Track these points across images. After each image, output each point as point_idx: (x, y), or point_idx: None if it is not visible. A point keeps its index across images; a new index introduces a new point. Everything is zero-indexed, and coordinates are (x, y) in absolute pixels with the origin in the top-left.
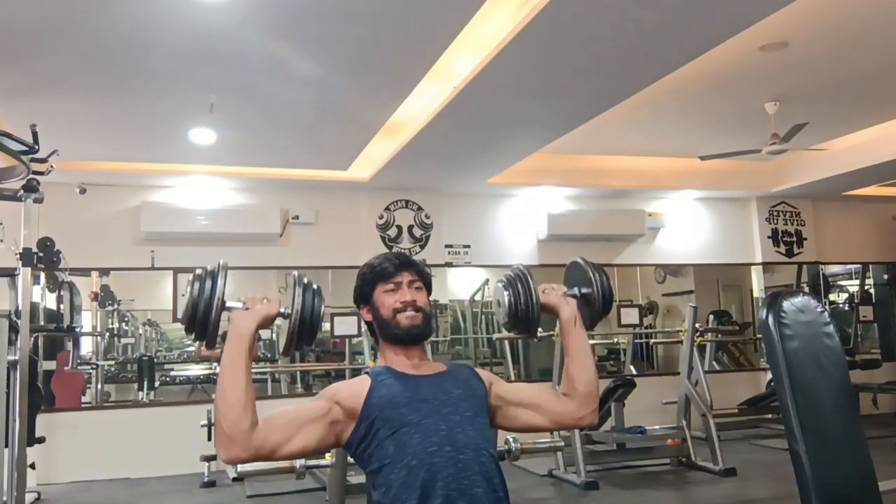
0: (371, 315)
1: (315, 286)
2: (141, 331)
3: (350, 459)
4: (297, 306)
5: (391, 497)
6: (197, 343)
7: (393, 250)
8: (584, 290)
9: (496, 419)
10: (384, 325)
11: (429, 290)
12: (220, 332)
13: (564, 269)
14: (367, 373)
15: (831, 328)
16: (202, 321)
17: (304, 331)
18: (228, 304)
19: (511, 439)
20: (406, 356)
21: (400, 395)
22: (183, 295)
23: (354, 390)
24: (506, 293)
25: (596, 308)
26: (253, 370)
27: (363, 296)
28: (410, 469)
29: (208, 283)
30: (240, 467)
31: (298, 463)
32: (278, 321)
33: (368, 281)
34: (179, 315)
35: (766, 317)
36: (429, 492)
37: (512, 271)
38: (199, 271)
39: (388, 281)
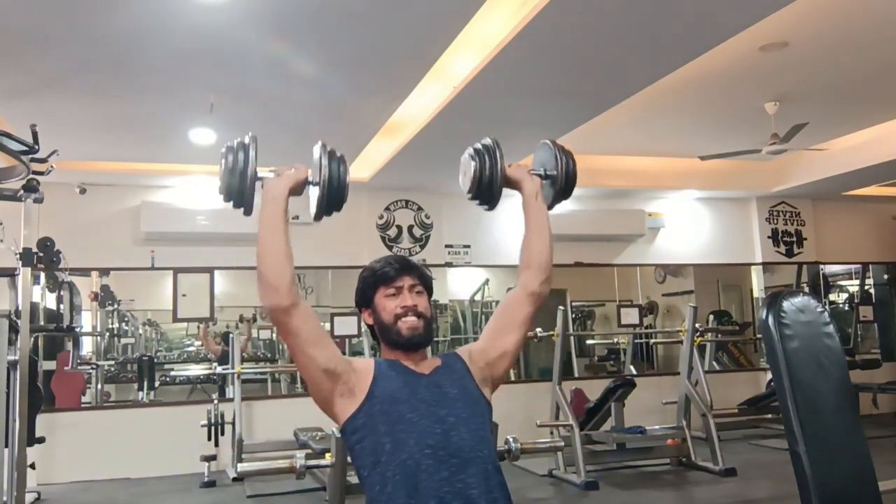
0: (372, 319)
1: (339, 154)
2: (141, 331)
3: (350, 459)
4: (324, 174)
5: (387, 494)
6: (202, 337)
7: (393, 250)
8: (549, 171)
9: (493, 372)
10: (385, 330)
11: (430, 293)
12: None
13: (535, 151)
14: (373, 360)
15: (831, 328)
16: (239, 189)
17: (333, 197)
18: (260, 174)
19: (511, 439)
20: (405, 359)
21: (400, 391)
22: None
23: (364, 368)
24: (473, 162)
25: (558, 188)
26: (252, 370)
27: (364, 299)
28: (405, 468)
29: (241, 155)
30: (240, 467)
31: (298, 463)
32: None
33: (370, 284)
34: (180, 315)
35: (766, 317)
36: (423, 492)
37: (482, 142)
38: (230, 143)
39: (389, 285)
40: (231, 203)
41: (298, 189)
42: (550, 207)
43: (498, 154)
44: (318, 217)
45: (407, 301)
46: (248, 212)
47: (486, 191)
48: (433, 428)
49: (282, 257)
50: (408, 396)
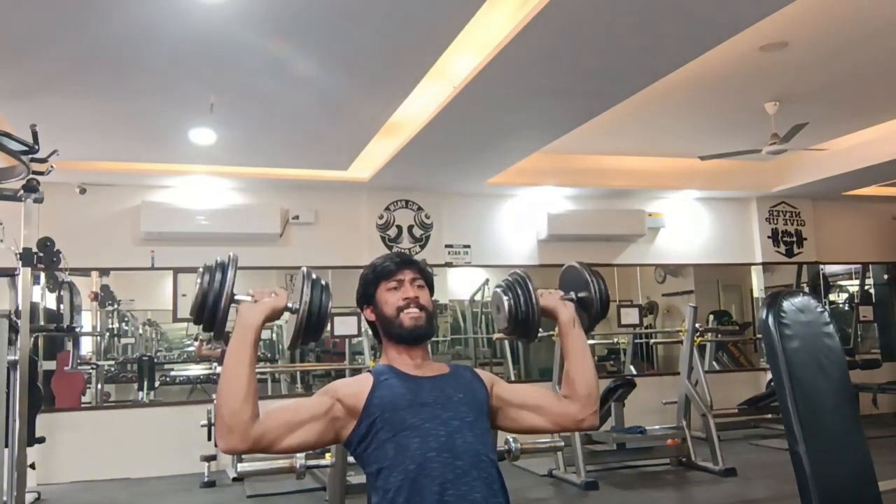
0: (374, 315)
1: (323, 282)
2: (141, 331)
3: (350, 459)
4: (304, 301)
5: (389, 500)
6: (197, 343)
7: (393, 250)
8: (581, 294)
9: (497, 420)
10: (387, 324)
11: (431, 289)
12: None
13: (561, 274)
14: (369, 371)
15: (831, 328)
16: (211, 312)
17: (312, 326)
18: (237, 296)
19: (511, 439)
20: (409, 356)
21: (401, 397)
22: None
23: (356, 388)
24: (505, 298)
25: (594, 311)
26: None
27: (366, 296)
28: (408, 473)
29: (218, 275)
30: (240, 467)
31: (298, 463)
32: (285, 316)
33: (371, 280)
34: (181, 314)
35: (767, 317)
36: (426, 497)
37: (511, 276)
38: (209, 263)
39: (390, 279)
40: (199, 327)
41: (274, 316)
42: (588, 331)
43: (530, 286)
44: (292, 346)
45: (409, 293)
46: (217, 336)
47: (524, 324)
48: (437, 431)
49: (239, 401)
50: (409, 402)
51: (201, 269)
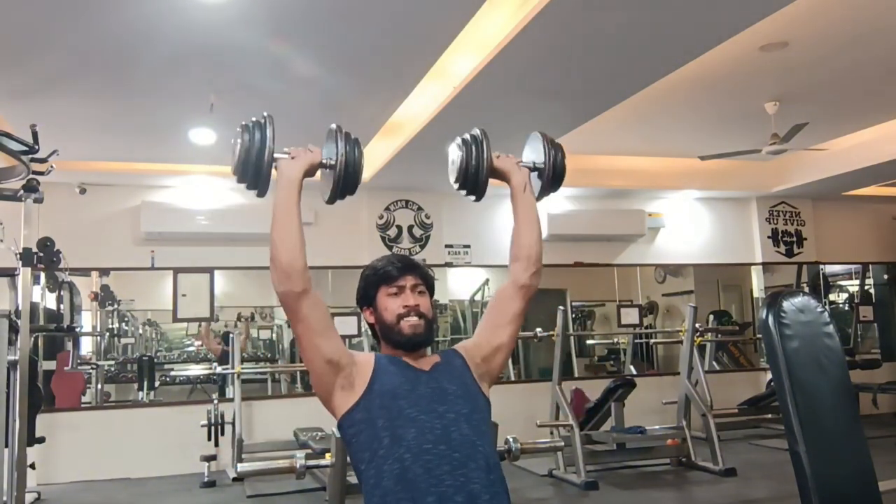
0: (374, 317)
1: (354, 137)
2: (141, 331)
3: (348, 456)
4: (340, 157)
5: (383, 488)
6: (199, 342)
7: (393, 250)
8: (537, 163)
9: (491, 367)
10: (386, 330)
11: (432, 293)
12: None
13: (525, 143)
14: (373, 354)
15: (831, 328)
16: (255, 168)
17: (348, 179)
18: (275, 155)
19: (511, 439)
20: (406, 357)
21: (400, 386)
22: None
23: (364, 364)
24: (459, 152)
25: (546, 180)
26: (252, 370)
27: (366, 297)
28: (403, 463)
29: (257, 134)
30: (240, 467)
31: (298, 463)
32: (282, 317)
33: (372, 283)
34: (180, 315)
35: (766, 317)
36: (422, 487)
37: (470, 133)
38: (245, 122)
39: (391, 284)
40: (244, 184)
41: (312, 171)
42: (539, 199)
43: (484, 144)
44: (331, 200)
45: (409, 301)
46: (262, 193)
47: (472, 180)
48: (433, 423)
49: (295, 242)
50: (408, 392)
51: (239, 129)
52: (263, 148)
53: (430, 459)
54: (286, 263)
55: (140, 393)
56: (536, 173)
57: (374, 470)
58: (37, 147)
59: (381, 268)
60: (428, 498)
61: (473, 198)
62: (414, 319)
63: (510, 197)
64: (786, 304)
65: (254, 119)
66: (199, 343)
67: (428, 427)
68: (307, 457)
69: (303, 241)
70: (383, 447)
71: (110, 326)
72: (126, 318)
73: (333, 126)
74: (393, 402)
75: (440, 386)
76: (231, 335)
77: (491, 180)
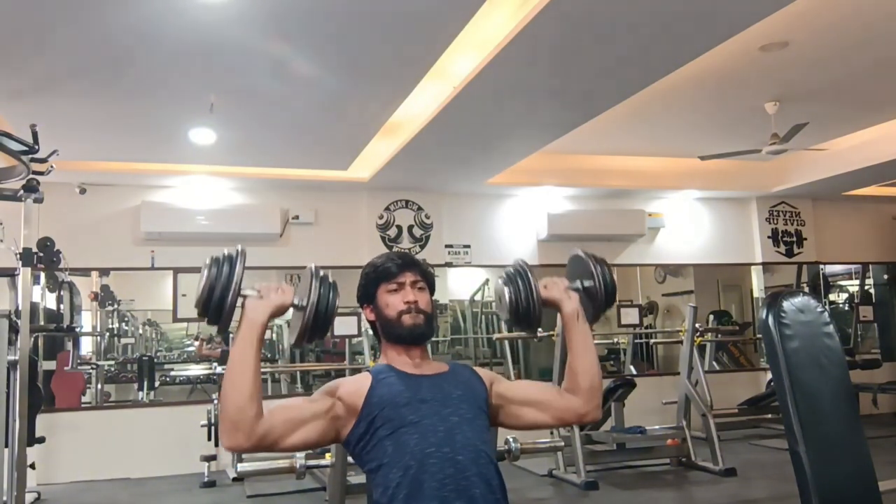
0: (374, 315)
1: (331, 279)
2: (141, 331)
3: (350, 459)
4: (312, 298)
5: (389, 496)
6: (197, 343)
7: (393, 250)
8: (586, 283)
9: (498, 418)
10: (387, 325)
11: (432, 290)
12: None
13: (567, 263)
14: (368, 371)
15: (831, 328)
16: (218, 306)
17: (319, 323)
18: (243, 291)
19: (511, 439)
20: (408, 356)
21: (400, 394)
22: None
23: (356, 387)
24: (507, 289)
25: (599, 301)
26: None
27: (366, 295)
28: (408, 469)
29: (226, 268)
30: (240, 467)
31: (298, 463)
32: (288, 314)
33: (372, 280)
34: (180, 315)
35: (766, 317)
36: (426, 492)
37: (512, 267)
38: (216, 255)
39: (391, 281)
40: (206, 319)
41: (280, 313)
42: (593, 322)
43: (530, 276)
44: (297, 344)
45: (409, 296)
46: (221, 329)
47: (525, 316)
48: (436, 426)
49: (245, 398)
50: (408, 399)
51: (208, 262)
52: (229, 286)
53: (434, 463)
54: (233, 413)
55: (140, 393)
56: (585, 295)
57: (382, 478)
58: (37, 147)
59: (381, 265)
60: (432, 502)
61: (529, 332)
62: (414, 314)
63: (562, 325)
64: (786, 304)
65: (225, 252)
66: (199, 345)
67: (431, 430)
68: (307, 457)
69: (258, 389)
70: (388, 455)
71: (110, 326)
72: (126, 318)
73: (312, 266)
74: (394, 411)
75: (442, 390)
76: (231, 335)
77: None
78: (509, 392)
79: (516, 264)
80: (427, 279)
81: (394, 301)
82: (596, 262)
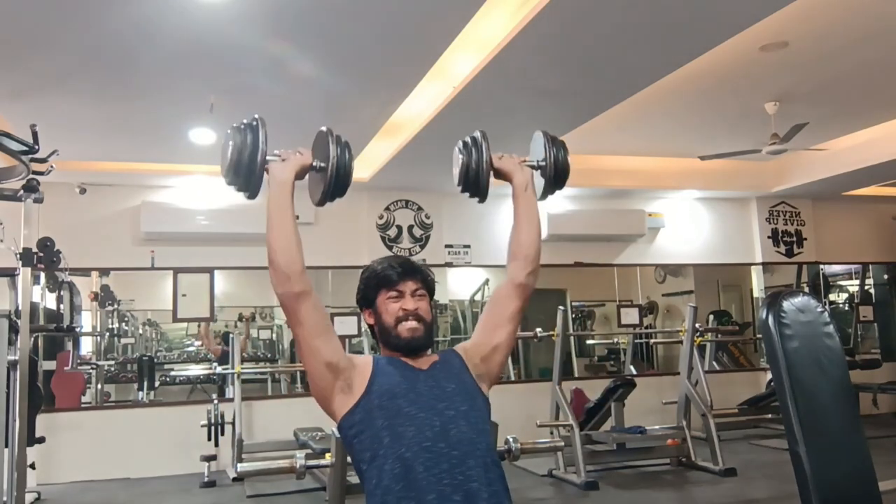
0: (373, 319)
1: (344, 140)
2: (141, 331)
3: (350, 459)
4: (332, 159)
5: (383, 487)
6: (199, 342)
7: (393, 250)
8: (539, 161)
9: (489, 367)
10: (385, 332)
11: (431, 295)
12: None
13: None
14: (372, 356)
15: (831, 328)
16: (247, 170)
17: (339, 182)
18: (267, 156)
19: (511, 439)
20: (405, 358)
21: (398, 385)
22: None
23: (363, 366)
24: (460, 155)
25: (549, 178)
26: (252, 370)
27: (366, 299)
28: (404, 461)
29: (249, 136)
30: (240, 467)
31: (299, 463)
32: (282, 317)
33: (372, 285)
34: (180, 315)
35: (766, 317)
36: (422, 485)
37: (471, 135)
38: (237, 124)
39: (391, 288)
40: (235, 187)
41: (302, 174)
42: (542, 198)
43: (484, 146)
44: (321, 202)
45: (408, 305)
46: (253, 195)
47: (474, 182)
48: (432, 421)
49: (292, 243)
50: (406, 391)
51: (230, 131)
52: (256, 151)
53: (430, 457)
54: (284, 265)
55: (140, 393)
56: (539, 172)
57: (376, 470)
58: (37, 147)
59: (382, 271)
60: (428, 496)
61: (477, 199)
62: (413, 323)
63: (511, 196)
64: (786, 304)
65: (245, 121)
66: (200, 343)
67: (427, 424)
68: (307, 457)
69: (299, 243)
70: (383, 446)
71: (110, 326)
72: (126, 318)
73: (324, 128)
74: (392, 402)
75: (438, 384)
76: (231, 335)
77: (495, 181)
78: (479, 348)
79: (476, 133)
80: (427, 286)
81: (393, 308)
82: (552, 142)
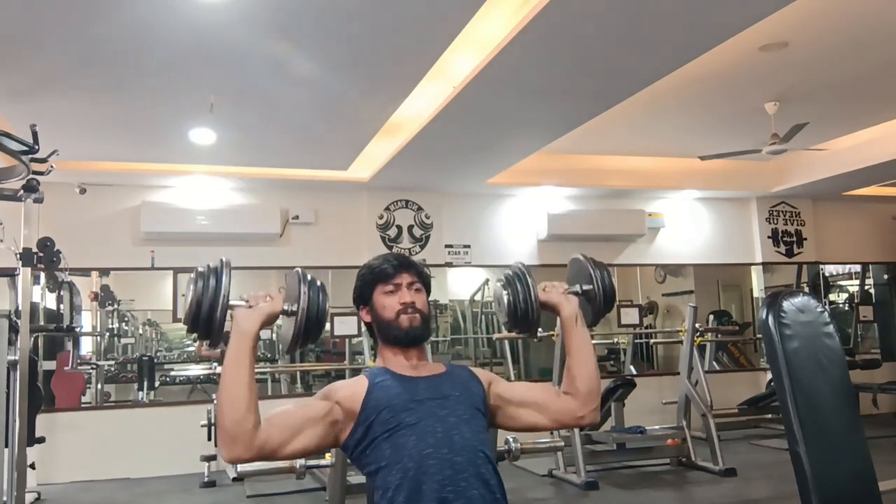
0: (370, 316)
1: (319, 283)
2: (141, 331)
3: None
4: (302, 304)
5: (388, 499)
6: (198, 343)
7: (393, 250)
8: (585, 287)
9: (496, 419)
10: (383, 327)
11: (428, 291)
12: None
13: (567, 266)
14: (364, 374)
15: (831, 328)
16: (206, 320)
17: (311, 328)
18: (232, 302)
19: (511, 439)
20: (405, 357)
21: (397, 396)
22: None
23: (352, 391)
24: (505, 293)
25: (597, 305)
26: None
27: (362, 297)
28: (406, 471)
29: (212, 281)
30: (240, 467)
31: (298, 463)
32: (280, 318)
33: (368, 282)
34: (181, 315)
35: (767, 317)
36: (425, 493)
37: (511, 269)
38: (201, 268)
39: (387, 282)
40: (195, 334)
41: (271, 321)
42: (592, 325)
43: (528, 279)
44: (290, 349)
45: (405, 298)
46: (213, 344)
47: (523, 320)
48: (434, 427)
49: (242, 410)
50: (405, 402)
51: (193, 276)
52: (217, 298)
53: (433, 464)
54: (231, 426)
55: (140, 393)
56: (584, 298)
57: (381, 480)
58: (37, 147)
59: (377, 266)
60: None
61: (528, 335)
62: (410, 314)
63: (561, 328)
64: (786, 304)
65: (210, 265)
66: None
67: (429, 431)
68: (307, 457)
69: (253, 403)
70: (385, 458)
71: (110, 326)
72: (126, 319)
73: (299, 270)
74: (391, 415)
75: (440, 391)
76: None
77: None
78: (507, 393)
79: (515, 267)
80: (423, 280)
81: (390, 302)
82: (595, 266)
